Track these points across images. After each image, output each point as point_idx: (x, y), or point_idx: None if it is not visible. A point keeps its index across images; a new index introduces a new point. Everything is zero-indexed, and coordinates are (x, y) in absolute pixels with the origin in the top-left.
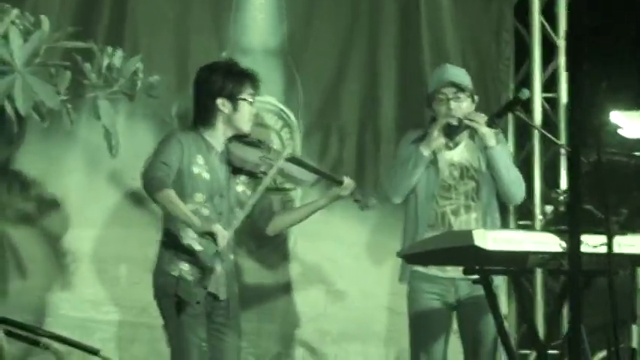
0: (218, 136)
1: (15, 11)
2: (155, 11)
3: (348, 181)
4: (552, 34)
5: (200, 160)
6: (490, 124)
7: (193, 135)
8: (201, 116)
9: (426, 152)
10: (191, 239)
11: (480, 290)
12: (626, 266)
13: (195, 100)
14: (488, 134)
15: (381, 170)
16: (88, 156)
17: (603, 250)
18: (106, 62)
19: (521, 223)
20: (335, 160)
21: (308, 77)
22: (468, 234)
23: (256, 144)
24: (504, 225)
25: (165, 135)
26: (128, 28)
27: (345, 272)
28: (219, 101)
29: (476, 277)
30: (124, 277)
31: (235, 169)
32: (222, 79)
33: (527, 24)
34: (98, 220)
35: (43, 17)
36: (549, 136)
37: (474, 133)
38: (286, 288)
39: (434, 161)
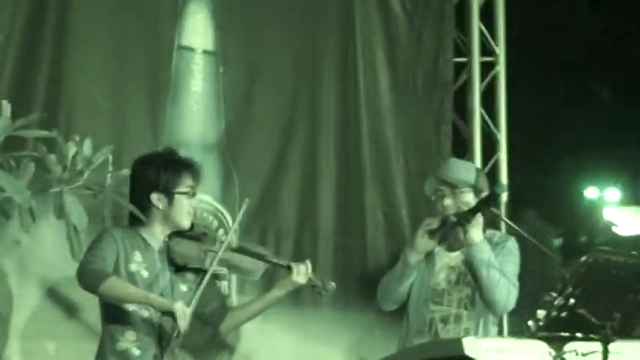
0: (156, 234)
1: None
2: (89, 101)
3: (301, 267)
4: (493, 127)
5: (138, 257)
6: (461, 222)
7: (130, 232)
8: (135, 215)
9: (412, 259)
10: (129, 343)
11: None
12: None
13: (129, 197)
14: (474, 231)
15: (318, 271)
16: (17, 260)
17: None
18: (72, 152)
19: None
20: None
21: (245, 175)
22: (458, 343)
23: (199, 237)
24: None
25: (98, 233)
26: (62, 116)
27: None
28: (154, 196)
29: None
30: None
31: (179, 267)
32: (157, 172)
33: (465, 117)
34: (28, 332)
35: (4, 102)
36: (525, 235)
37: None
38: None
39: (431, 263)
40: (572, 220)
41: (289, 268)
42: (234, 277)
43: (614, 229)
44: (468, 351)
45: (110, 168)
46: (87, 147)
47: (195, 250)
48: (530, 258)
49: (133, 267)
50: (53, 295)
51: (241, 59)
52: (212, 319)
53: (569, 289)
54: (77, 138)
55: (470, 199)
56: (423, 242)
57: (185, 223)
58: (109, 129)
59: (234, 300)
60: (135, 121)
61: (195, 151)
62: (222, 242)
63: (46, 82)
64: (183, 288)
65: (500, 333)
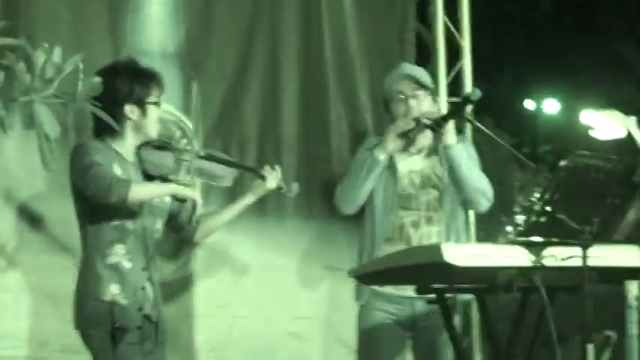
0: (127, 146)
1: None
2: (50, 11)
3: (273, 173)
4: (456, 34)
5: (117, 169)
6: (435, 128)
7: (102, 144)
8: (107, 125)
9: (381, 156)
10: (120, 256)
11: (432, 314)
12: (594, 280)
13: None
14: (449, 132)
15: (283, 180)
16: None
17: (572, 263)
18: (41, 60)
19: None
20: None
21: (206, 83)
22: (436, 249)
23: (168, 146)
24: (467, 238)
25: (76, 146)
26: (22, 27)
27: (248, 297)
28: (127, 108)
29: (432, 295)
30: (22, 309)
31: (150, 177)
32: (129, 84)
33: (429, 24)
34: None
35: None
36: (502, 142)
37: (434, 136)
38: (189, 315)
39: (392, 169)
40: (519, 128)
41: (259, 172)
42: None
43: (591, 132)
44: (447, 257)
45: (81, 76)
46: (57, 55)
47: (166, 159)
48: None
49: (99, 159)
50: (18, 208)
51: None
52: (187, 227)
53: (549, 194)
54: (46, 45)
55: (429, 104)
56: (394, 143)
57: (154, 133)
58: (72, 38)
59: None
60: (95, 30)
61: (156, 60)
62: (189, 151)
63: None
64: (157, 198)
65: (468, 238)
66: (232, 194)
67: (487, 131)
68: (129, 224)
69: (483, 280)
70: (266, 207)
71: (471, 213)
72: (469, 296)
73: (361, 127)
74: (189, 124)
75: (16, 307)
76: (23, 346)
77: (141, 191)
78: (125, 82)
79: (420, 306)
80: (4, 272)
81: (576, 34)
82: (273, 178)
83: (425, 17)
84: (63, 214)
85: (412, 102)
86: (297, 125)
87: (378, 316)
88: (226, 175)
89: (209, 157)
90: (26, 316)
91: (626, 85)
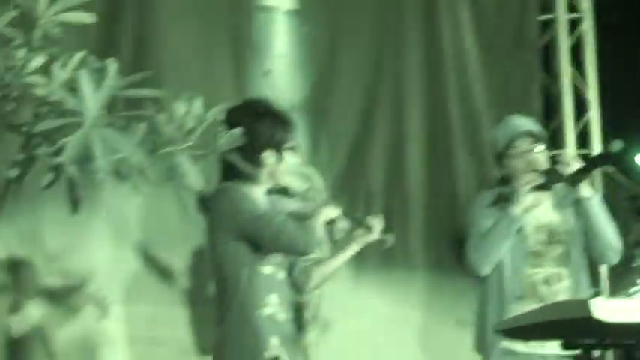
0: (259, 192)
1: (80, 54)
2: (178, 63)
3: (376, 223)
4: (583, 86)
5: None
6: (574, 182)
7: (241, 189)
8: (242, 172)
9: (517, 212)
10: (272, 306)
11: None
12: None
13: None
14: (585, 185)
15: (409, 232)
16: (113, 225)
17: None
18: (182, 112)
19: None
20: None
21: (332, 137)
22: (585, 304)
23: (293, 194)
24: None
25: (228, 190)
26: (161, 78)
27: (377, 350)
28: (266, 154)
29: (576, 352)
30: None
31: None
32: (271, 128)
33: (555, 75)
34: (126, 297)
35: (109, 60)
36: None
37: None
38: None
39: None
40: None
41: (365, 223)
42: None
43: None
44: (596, 312)
45: (220, 128)
46: (197, 106)
47: (293, 207)
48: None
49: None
50: (149, 260)
51: (323, 18)
52: (301, 276)
53: None
54: (186, 96)
55: (545, 155)
56: (529, 199)
57: (286, 180)
58: (199, 92)
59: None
60: (221, 83)
61: None
62: (313, 200)
63: (131, 44)
64: None
65: (596, 293)
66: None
67: (628, 185)
68: (280, 273)
69: (632, 335)
70: (394, 259)
71: (603, 268)
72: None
73: (486, 179)
74: (316, 177)
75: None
76: None
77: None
78: (267, 127)
79: None
80: (134, 323)
81: None
82: (377, 229)
83: (551, 67)
84: (197, 265)
85: (532, 157)
86: (424, 178)
87: None
88: (341, 228)
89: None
90: None
91: None
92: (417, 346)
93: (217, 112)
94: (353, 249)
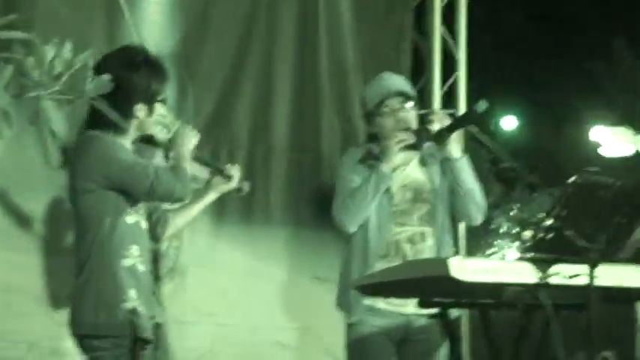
0: (128, 143)
1: None
2: (49, 6)
3: (234, 171)
4: (452, 46)
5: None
6: (439, 139)
7: (110, 137)
8: (111, 122)
9: (387, 170)
10: (134, 258)
11: (429, 328)
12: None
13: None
14: (454, 144)
15: (271, 187)
16: None
17: (579, 281)
18: (51, 55)
19: None
20: None
21: (199, 86)
22: (443, 263)
23: (156, 142)
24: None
25: (94, 139)
26: (33, 21)
27: (235, 305)
28: (138, 106)
29: (434, 311)
30: (12, 309)
31: None
32: (147, 81)
33: (426, 34)
34: None
35: None
36: (509, 158)
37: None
38: (177, 321)
39: None
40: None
41: (229, 177)
42: None
43: (600, 150)
44: (454, 272)
45: (90, 73)
46: (67, 50)
47: (158, 156)
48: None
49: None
50: (7, 206)
51: None
52: (157, 226)
53: (557, 210)
54: (56, 40)
55: (414, 114)
56: (398, 157)
57: (153, 131)
58: (69, 37)
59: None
60: (93, 27)
61: None
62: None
63: None
64: None
65: (455, 253)
66: (218, 201)
67: (491, 145)
68: (143, 222)
69: (488, 295)
70: (253, 214)
71: (461, 227)
72: (457, 312)
73: (353, 136)
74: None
75: (4, 308)
76: (12, 347)
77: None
78: (142, 79)
79: (415, 322)
80: None
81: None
82: (235, 178)
83: (422, 27)
84: (57, 213)
85: (401, 114)
86: (289, 132)
87: (369, 333)
88: (201, 177)
89: (194, 157)
90: (14, 317)
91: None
92: (275, 301)
93: (87, 57)
94: (211, 197)
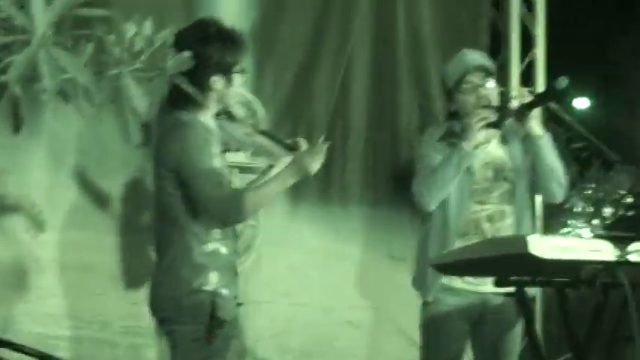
0: (209, 116)
1: None
2: None
3: (303, 144)
4: (530, 24)
5: (215, 148)
6: (520, 117)
7: (193, 118)
8: (190, 97)
9: (469, 148)
10: (216, 241)
11: (505, 308)
12: None
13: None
14: (535, 121)
15: (348, 166)
16: (52, 150)
17: None
18: (131, 33)
19: None
20: None
21: (277, 66)
22: (522, 240)
23: (238, 119)
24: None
25: (177, 125)
26: None
27: (309, 283)
28: (215, 78)
29: (510, 289)
30: (86, 288)
31: (224, 151)
32: (220, 52)
33: (504, 11)
34: (59, 223)
35: None
36: (588, 136)
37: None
38: (251, 301)
39: None
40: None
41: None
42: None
43: None
44: (532, 249)
45: (170, 50)
46: (147, 27)
47: (238, 132)
48: None
49: (217, 162)
50: (86, 186)
51: None
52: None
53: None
54: (136, 18)
55: (496, 91)
56: (481, 135)
57: (234, 104)
58: (149, 14)
59: None
60: (171, 6)
61: None
62: (252, 125)
63: None
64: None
65: (534, 231)
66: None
67: (571, 123)
68: None
69: (566, 273)
70: (330, 193)
71: (538, 206)
72: (533, 291)
73: (432, 114)
74: (259, 106)
75: (79, 287)
76: (86, 327)
77: (259, 198)
78: (216, 50)
79: (491, 301)
80: (67, 251)
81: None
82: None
83: (500, 4)
84: (134, 193)
85: (484, 91)
86: (366, 111)
87: (445, 312)
88: (277, 154)
89: (267, 134)
90: (88, 297)
91: None
92: (351, 281)
93: (166, 35)
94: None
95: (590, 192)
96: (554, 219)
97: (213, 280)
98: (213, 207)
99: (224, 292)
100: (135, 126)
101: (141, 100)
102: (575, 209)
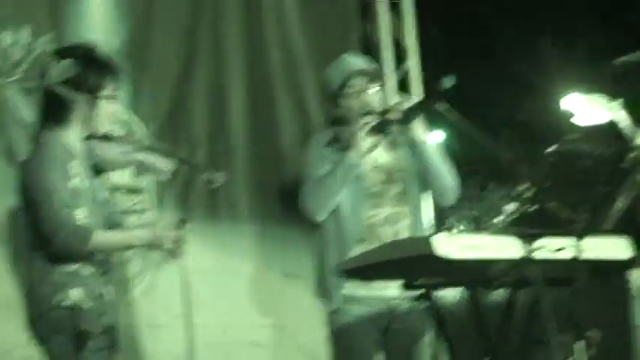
0: (74, 137)
1: None
2: None
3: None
4: (402, 35)
5: (75, 169)
6: (405, 122)
7: (54, 137)
8: (57, 114)
9: (356, 158)
10: (77, 263)
11: (413, 313)
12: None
13: (48, 95)
14: (418, 127)
15: (235, 182)
16: None
17: (565, 255)
18: (8, 42)
19: None
20: None
21: (153, 83)
22: (426, 241)
23: (113, 139)
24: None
25: (38, 143)
26: None
27: (204, 304)
28: (78, 97)
29: (417, 293)
30: None
31: (98, 172)
32: (83, 71)
33: (374, 24)
34: None
35: None
36: (479, 136)
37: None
38: (149, 325)
39: None
40: None
41: (196, 166)
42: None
43: (573, 118)
44: (438, 250)
45: (49, 59)
46: (25, 35)
47: (113, 152)
48: None
49: (76, 181)
50: None
51: None
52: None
53: (539, 182)
54: (13, 27)
55: (381, 95)
56: (366, 142)
57: (106, 127)
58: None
59: (152, 214)
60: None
61: None
62: (134, 142)
63: None
64: (104, 194)
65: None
66: (184, 197)
67: (462, 123)
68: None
69: (474, 273)
70: (218, 211)
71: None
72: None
73: (310, 127)
74: (139, 125)
75: None
76: None
77: (105, 243)
78: (80, 69)
79: (398, 307)
80: None
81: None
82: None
83: (371, 16)
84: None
85: (367, 96)
86: (247, 126)
87: (351, 321)
88: (165, 169)
89: (152, 149)
90: None
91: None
92: (244, 298)
93: (47, 41)
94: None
95: (466, 212)
96: (444, 219)
97: (73, 296)
98: (53, 229)
99: (86, 306)
100: (21, 141)
101: (27, 110)
102: (454, 231)
